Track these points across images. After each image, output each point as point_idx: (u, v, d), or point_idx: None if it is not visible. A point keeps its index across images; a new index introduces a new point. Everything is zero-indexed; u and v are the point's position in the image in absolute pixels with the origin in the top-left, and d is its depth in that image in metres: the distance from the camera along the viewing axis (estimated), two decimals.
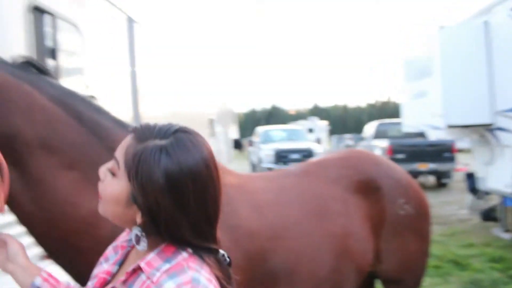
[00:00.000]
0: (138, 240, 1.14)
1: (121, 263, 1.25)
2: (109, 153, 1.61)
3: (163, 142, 1.08)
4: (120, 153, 1.13)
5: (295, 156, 16.85)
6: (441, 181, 14.89)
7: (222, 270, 1.14)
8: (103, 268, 1.28)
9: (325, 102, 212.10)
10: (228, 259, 1.19)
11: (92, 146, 1.60)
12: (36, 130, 1.69)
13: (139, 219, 1.09)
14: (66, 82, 3.92)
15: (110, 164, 1.15)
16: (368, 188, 2.54)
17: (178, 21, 8.79)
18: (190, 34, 9.63)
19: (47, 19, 3.74)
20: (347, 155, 2.76)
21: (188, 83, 8.71)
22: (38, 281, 1.41)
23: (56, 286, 1.44)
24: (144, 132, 1.11)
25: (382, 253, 2.55)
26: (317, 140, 21.19)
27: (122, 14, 5.51)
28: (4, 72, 1.69)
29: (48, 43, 3.76)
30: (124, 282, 1.13)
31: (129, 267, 1.15)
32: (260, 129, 21.80)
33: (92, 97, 4.16)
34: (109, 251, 1.34)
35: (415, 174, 13.43)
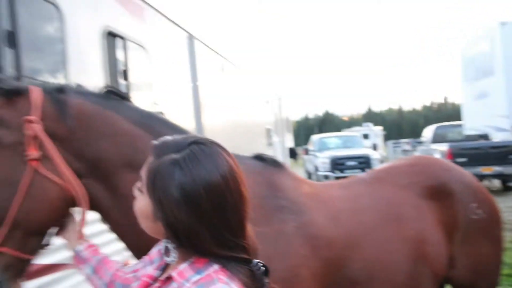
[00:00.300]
0: (167, 253, 1.20)
1: (164, 269, 1.31)
2: None
3: (177, 156, 1.11)
4: (143, 170, 1.19)
5: (351, 163, 16.67)
6: (508, 184, 14.23)
7: (255, 280, 1.16)
8: (147, 271, 1.38)
9: (379, 106, 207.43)
10: (263, 268, 1.19)
11: None
12: (120, 151, 1.88)
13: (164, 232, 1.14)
14: (137, 99, 4.16)
15: (139, 182, 1.22)
16: (440, 193, 2.55)
17: (232, 31, 9.00)
18: (243, 41, 9.80)
19: (118, 42, 4.02)
20: (416, 161, 2.78)
21: (245, 93, 8.89)
22: (80, 247, 1.82)
23: (95, 254, 1.80)
24: (162, 148, 1.16)
25: (455, 258, 2.54)
26: (374, 146, 20.85)
27: (183, 32, 5.76)
28: (90, 102, 1.90)
29: (120, 64, 4.04)
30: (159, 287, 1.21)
31: (167, 274, 1.21)
32: (315, 137, 21.74)
33: (161, 113, 4.40)
34: (154, 253, 1.45)
35: (479, 178, 12.88)
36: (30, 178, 1.74)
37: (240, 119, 7.99)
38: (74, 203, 1.84)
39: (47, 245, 1.91)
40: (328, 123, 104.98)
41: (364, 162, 16.59)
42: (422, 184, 2.55)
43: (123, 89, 3.99)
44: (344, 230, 2.19)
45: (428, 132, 19.71)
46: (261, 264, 1.19)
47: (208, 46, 6.58)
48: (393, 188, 2.49)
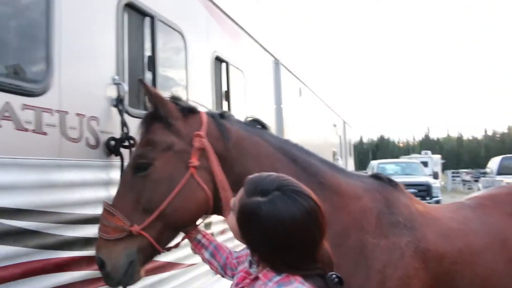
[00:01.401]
0: (251, 264, 1.61)
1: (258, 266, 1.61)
2: (319, 187, 2.16)
3: (261, 199, 1.42)
4: (237, 199, 1.52)
5: (411, 190, 16.20)
6: None
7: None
8: (245, 266, 1.71)
9: (436, 132, 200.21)
10: (336, 279, 1.46)
11: (305, 182, 1.75)
12: (262, 170, 2.21)
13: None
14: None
15: (233, 202, 1.56)
16: None
17: (304, 55, 9.34)
18: (311, 65, 10.11)
19: (223, 66, 4.44)
20: None
21: (317, 115, 9.14)
22: (199, 236, 2.27)
23: (211, 240, 2.25)
24: (253, 187, 1.48)
25: None
26: (435, 174, 20.42)
27: (270, 57, 6.16)
28: (240, 128, 2.37)
29: (224, 85, 4.45)
30: (249, 284, 1.56)
31: (255, 274, 1.56)
32: (374, 163, 21.58)
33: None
34: (249, 253, 1.75)
35: None
36: (186, 181, 2.17)
37: (313, 141, 8.23)
38: (211, 209, 2.25)
39: (177, 244, 2.31)
40: (383, 148, 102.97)
41: (424, 190, 16.29)
42: None
43: (225, 108, 4.39)
44: (454, 247, 2.39)
45: (493, 163, 19.15)
46: (335, 276, 1.47)
47: (289, 70, 6.94)
48: (498, 215, 2.66)
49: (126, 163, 2.71)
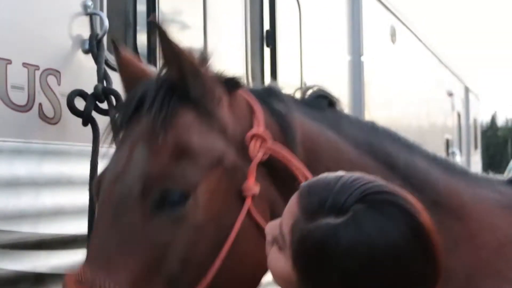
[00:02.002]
0: None
1: None
2: (435, 208, 1.88)
3: (336, 221, 1.26)
4: (286, 224, 1.35)
5: None
6: None
7: None
8: None
9: None
10: None
11: None
12: None
13: None
14: (283, 76, 4.39)
15: (275, 230, 1.40)
16: None
17: None
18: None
19: None
20: None
21: (421, 75, 8.81)
22: None
23: None
24: (313, 203, 1.32)
25: None
26: None
27: None
28: (306, 118, 2.08)
29: (265, 24, 4.35)
30: None
31: None
32: None
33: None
34: None
35: None
36: (242, 222, 1.84)
37: (412, 121, 7.83)
38: None
39: None
40: None
41: None
42: None
43: (266, 58, 4.31)
44: None
45: None
46: None
47: (375, 6, 6.72)
48: None
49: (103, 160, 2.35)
